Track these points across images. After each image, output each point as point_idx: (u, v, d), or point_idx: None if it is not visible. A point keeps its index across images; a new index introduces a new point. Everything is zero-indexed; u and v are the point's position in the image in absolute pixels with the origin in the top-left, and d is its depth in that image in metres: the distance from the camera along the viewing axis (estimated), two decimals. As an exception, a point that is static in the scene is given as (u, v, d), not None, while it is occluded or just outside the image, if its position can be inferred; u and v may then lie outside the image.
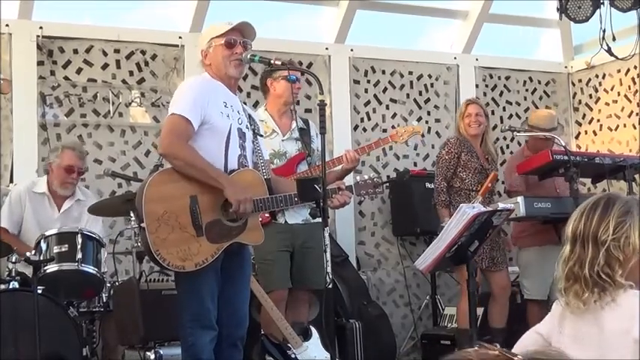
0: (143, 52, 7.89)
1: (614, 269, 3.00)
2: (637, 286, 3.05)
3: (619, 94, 9.37)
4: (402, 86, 9.03)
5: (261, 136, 5.15)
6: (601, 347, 2.97)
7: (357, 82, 8.79)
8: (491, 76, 9.53)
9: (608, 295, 2.98)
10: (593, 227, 3.03)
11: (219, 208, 4.71)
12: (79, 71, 7.63)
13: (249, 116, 5.07)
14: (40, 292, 5.28)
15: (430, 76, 9.17)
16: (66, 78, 7.57)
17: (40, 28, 7.43)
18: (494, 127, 9.16)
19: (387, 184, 8.27)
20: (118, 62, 7.79)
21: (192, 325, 4.72)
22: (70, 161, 6.54)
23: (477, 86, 9.33)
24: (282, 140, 6.40)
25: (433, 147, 9.04)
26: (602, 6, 7.63)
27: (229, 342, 4.86)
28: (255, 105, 8.00)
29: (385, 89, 8.94)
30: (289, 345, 6.05)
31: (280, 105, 6.49)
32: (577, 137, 9.79)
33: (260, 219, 5.00)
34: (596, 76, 9.61)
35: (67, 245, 5.92)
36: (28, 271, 5.58)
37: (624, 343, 2.93)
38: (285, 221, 6.32)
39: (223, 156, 4.79)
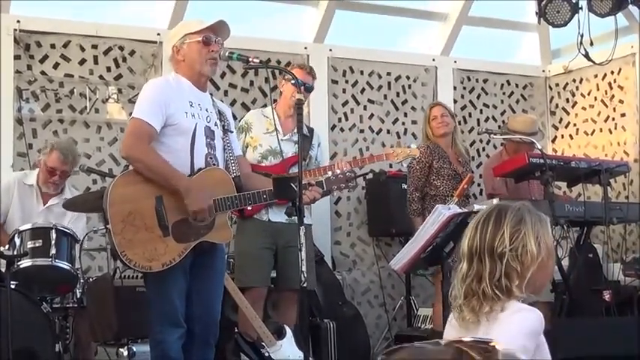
0: (121, 48, 7.86)
1: (512, 280, 2.97)
2: (538, 294, 3.08)
3: (596, 98, 9.42)
4: (380, 87, 9.04)
5: (232, 132, 5.13)
6: None
7: (335, 82, 8.79)
8: (469, 79, 9.55)
9: (498, 305, 2.97)
10: (488, 240, 3.00)
11: (186, 208, 4.70)
12: (56, 66, 7.59)
13: (220, 112, 5.05)
14: (13, 287, 5.25)
15: (408, 78, 9.18)
16: (43, 73, 7.53)
17: (18, 21, 7.39)
18: (471, 130, 9.19)
19: (363, 177, 8.22)
20: (95, 58, 7.75)
21: (161, 323, 4.72)
22: (53, 163, 6.52)
23: (454, 88, 9.35)
24: (282, 140, 6.39)
25: (415, 141, 9.05)
26: (580, 11, 7.66)
27: (201, 339, 4.85)
28: (233, 104, 8.01)
29: (363, 90, 8.94)
30: (263, 344, 6.04)
31: (287, 107, 6.52)
32: (553, 141, 9.83)
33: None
34: (574, 80, 9.66)
35: (40, 240, 5.87)
36: (1, 265, 5.54)
37: None
38: (269, 219, 6.32)
39: (189, 156, 4.78)
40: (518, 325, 2.92)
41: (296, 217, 4.45)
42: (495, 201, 6.71)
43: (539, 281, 3.05)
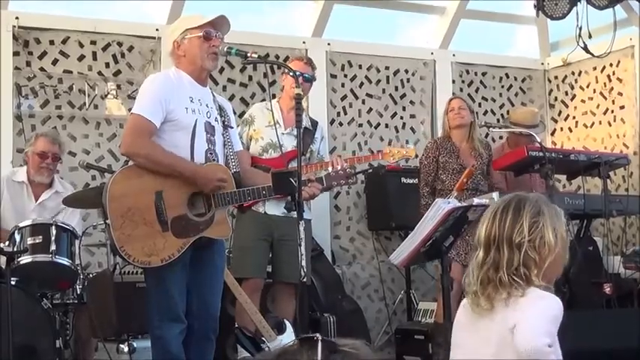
0: (120, 44, 7.85)
1: (530, 269, 3.05)
2: (552, 285, 3.13)
3: (594, 91, 9.41)
4: (379, 81, 9.03)
5: (232, 127, 5.14)
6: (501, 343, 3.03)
7: (333, 76, 8.78)
8: (467, 72, 9.54)
9: (518, 292, 3.03)
10: (507, 230, 3.07)
11: (185, 203, 4.71)
12: (54, 62, 7.58)
13: (220, 107, 5.06)
14: (13, 283, 5.25)
15: (407, 72, 9.17)
16: (41, 69, 7.52)
17: (17, 18, 7.37)
18: (470, 123, 9.17)
19: (362, 173, 8.22)
20: (94, 54, 7.74)
21: (161, 318, 4.73)
22: (43, 147, 6.53)
23: (453, 82, 9.34)
24: (283, 133, 6.39)
25: (407, 142, 9.03)
26: (578, 3, 7.64)
27: (201, 334, 4.86)
28: (231, 99, 7.99)
29: (362, 84, 8.94)
30: (263, 338, 6.05)
31: (289, 100, 6.49)
32: (552, 134, 9.83)
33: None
34: (572, 73, 9.66)
35: (41, 237, 5.86)
36: (1, 261, 5.54)
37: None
38: (265, 212, 6.33)
39: (189, 151, 4.79)
40: (543, 311, 2.99)
41: (295, 212, 4.46)
42: (495, 194, 6.70)
43: (553, 272, 3.13)
